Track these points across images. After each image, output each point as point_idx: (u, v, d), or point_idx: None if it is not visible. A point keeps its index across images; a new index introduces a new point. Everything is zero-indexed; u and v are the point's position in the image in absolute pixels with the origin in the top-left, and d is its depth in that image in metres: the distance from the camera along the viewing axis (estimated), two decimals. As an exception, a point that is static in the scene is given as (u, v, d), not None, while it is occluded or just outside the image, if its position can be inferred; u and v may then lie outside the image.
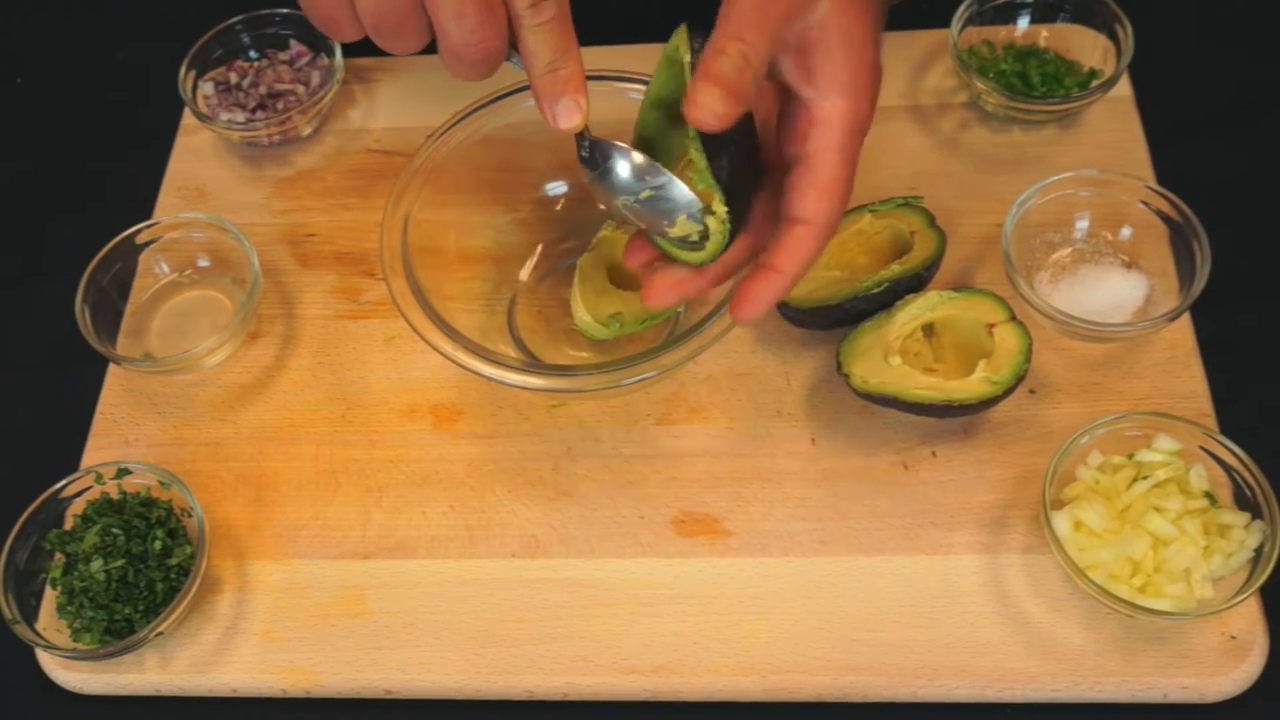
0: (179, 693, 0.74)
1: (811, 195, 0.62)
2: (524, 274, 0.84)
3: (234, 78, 0.94)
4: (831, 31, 0.61)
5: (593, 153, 0.63)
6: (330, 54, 0.94)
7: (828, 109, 0.62)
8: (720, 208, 0.61)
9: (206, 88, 0.94)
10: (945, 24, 0.88)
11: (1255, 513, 0.69)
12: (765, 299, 0.63)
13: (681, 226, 0.63)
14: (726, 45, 0.59)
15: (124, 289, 0.87)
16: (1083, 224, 0.81)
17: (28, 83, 1.04)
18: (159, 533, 0.73)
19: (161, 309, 0.87)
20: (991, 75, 0.87)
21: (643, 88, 0.78)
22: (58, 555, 0.74)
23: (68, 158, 0.99)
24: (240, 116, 0.91)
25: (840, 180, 0.62)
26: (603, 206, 0.70)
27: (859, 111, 0.62)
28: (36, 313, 0.90)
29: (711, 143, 0.60)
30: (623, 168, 0.63)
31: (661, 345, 0.70)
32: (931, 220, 0.79)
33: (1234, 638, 0.68)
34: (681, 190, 0.62)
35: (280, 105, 0.92)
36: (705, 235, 0.62)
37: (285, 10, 0.94)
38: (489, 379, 0.70)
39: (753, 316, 0.64)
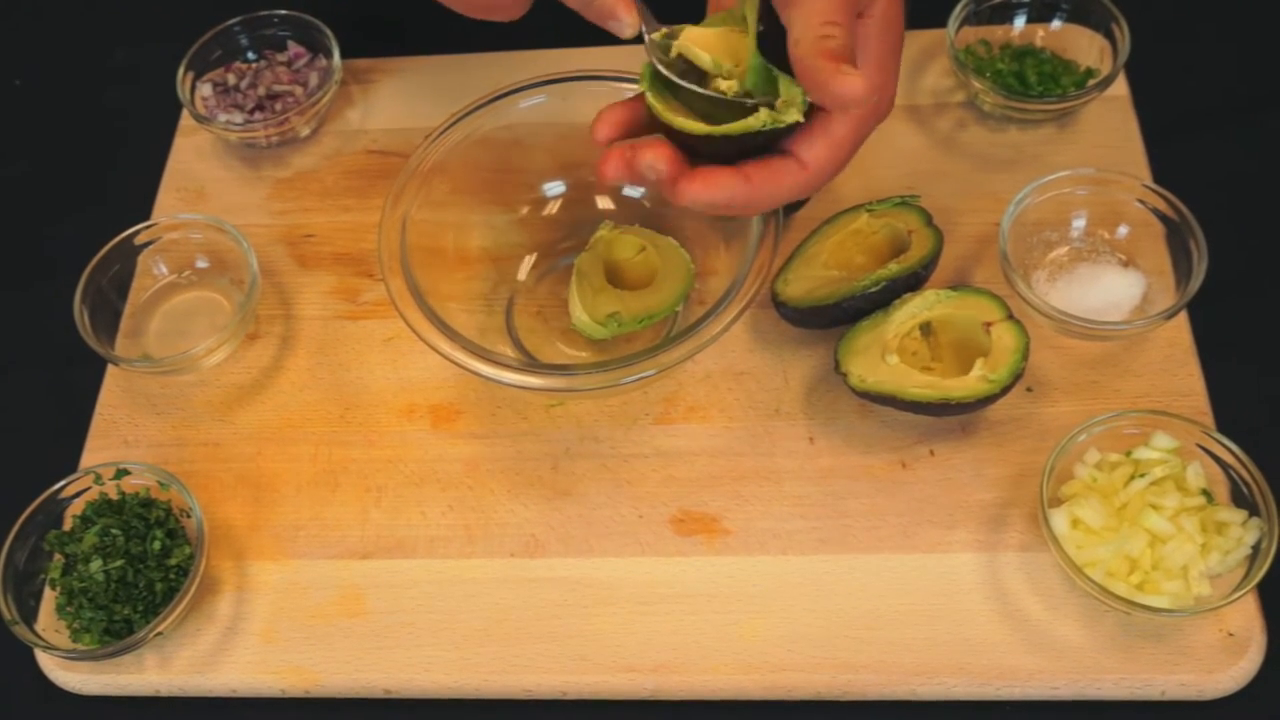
0: (178, 693, 0.74)
1: (820, 144, 0.62)
2: (522, 274, 0.84)
3: (232, 79, 0.94)
4: (875, 16, 0.62)
5: (661, 53, 0.63)
6: (328, 55, 0.94)
7: None
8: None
9: (205, 89, 0.94)
10: (942, 24, 0.89)
11: (1252, 510, 0.69)
12: (717, 193, 0.61)
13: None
14: (829, 29, 0.59)
15: (123, 290, 0.87)
16: (1080, 223, 0.82)
17: (26, 84, 1.04)
18: (158, 533, 0.73)
19: (160, 310, 0.87)
20: (988, 75, 0.88)
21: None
22: (57, 556, 0.74)
23: (66, 159, 0.99)
24: (238, 117, 0.92)
25: (847, 143, 0.63)
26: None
27: (883, 90, 0.64)
28: (35, 313, 0.90)
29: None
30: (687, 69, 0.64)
31: (659, 344, 0.70)
32: (929, 219, 0.79)
33: (1232, 635, 0.69)
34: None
35: (278, 106, 0.92)
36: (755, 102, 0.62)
37: (283, 11, 0.95)
38: (487, 379, 0.70)
39: (692, 198, 0.61)
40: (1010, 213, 0.79)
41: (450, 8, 0.72)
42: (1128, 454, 0.71)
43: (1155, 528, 0.68)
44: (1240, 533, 0.68)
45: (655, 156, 0.61)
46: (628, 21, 0.62)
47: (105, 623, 0.72)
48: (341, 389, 0.83)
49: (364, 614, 0.74)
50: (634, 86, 0.78)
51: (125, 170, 0.96)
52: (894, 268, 0.76)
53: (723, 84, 0.63)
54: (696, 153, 0.63)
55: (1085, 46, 0.88)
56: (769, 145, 0.63)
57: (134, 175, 0.94)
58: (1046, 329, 0.78)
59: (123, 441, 0.82)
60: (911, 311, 0.75)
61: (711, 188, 0.61)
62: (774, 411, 0.78)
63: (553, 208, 0.85)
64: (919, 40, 0.92)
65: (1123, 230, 0.81)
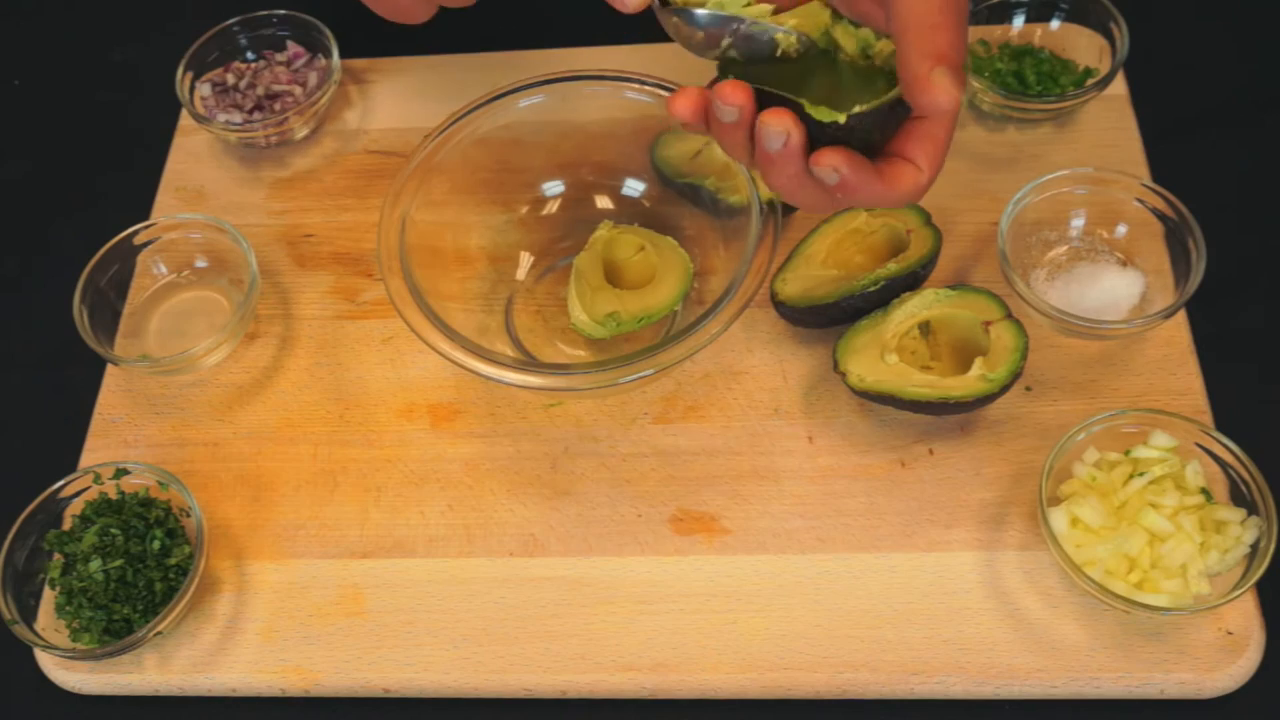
0: (178, 693, 0.74)
1: (928, 145, 0.59)
2: (521, 273, 0.84)
3: (231, 79, 0.94)
4: None
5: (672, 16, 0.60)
6: (327, 55, 0.94)
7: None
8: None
9: (204, 89, 0.94)
10: (941, 23, 0.89)
11: (1251, 509, 0.69)
12: (853, 171, 0.57)
13: (783, 40, 0.59)
14: (939, 17, 0.54)
15: (122, 290, 0.87)
16: (1078, 222, 0.82)
17: (25, 84, 1.04)
18: (157, 533, 0.73)
19: (159, 310, 0.87)
20: (987, 74, 0.88)
21: (641, 87, 0.78)
22: (56, 555, 0.74)
23: (65, 159, 0.99)
24: (237, 117, 0.92)
25: (945, 142, 0.60)
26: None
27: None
28: (35, 313, 0.90)
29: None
30: (701, 23, 0.60)
31: (658, 344, 0.70)
32: (928, 219, 0.79)
33: (1230, 633, 0.69)
34: (762, 24, 0.59)
35: (277, 106, 0.92)
36: (806, 44, 0.59)
37: (282, 11, 0.95)
38: (487, 378, 0.70)
39: (830, 162, 0.57)
40: (1009, 212, 0.79)
41: (368, 6, 0.72)
42: (1126, 453, 0.71)
43: (1154, 526, 0.68)
44: (1239, 531, 0.68)
45: (786, 125, 0.57)
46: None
47: (105, 622, 0.72)
48: (341, 389, 0.83)
49: (363, 613, 0.74)
50: (633, 87, 0.78)
51: (124, 170, 0.96)
52: (893, 267, 0.76)
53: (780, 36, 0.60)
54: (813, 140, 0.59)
55: (1084, 46, 0.89)
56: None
57: (133, 175, 0.94)
58: (1045, 328, 0.78)
59: (122, 441, 0.82)
60: (910, 311, 0.75)
61: (854, 164, 0.57)
62: (773, 411, 0.78)
63: (552, 207, 0.85)
64: (918, 40, 0.92)
65: (1121, 229, 0.81)
